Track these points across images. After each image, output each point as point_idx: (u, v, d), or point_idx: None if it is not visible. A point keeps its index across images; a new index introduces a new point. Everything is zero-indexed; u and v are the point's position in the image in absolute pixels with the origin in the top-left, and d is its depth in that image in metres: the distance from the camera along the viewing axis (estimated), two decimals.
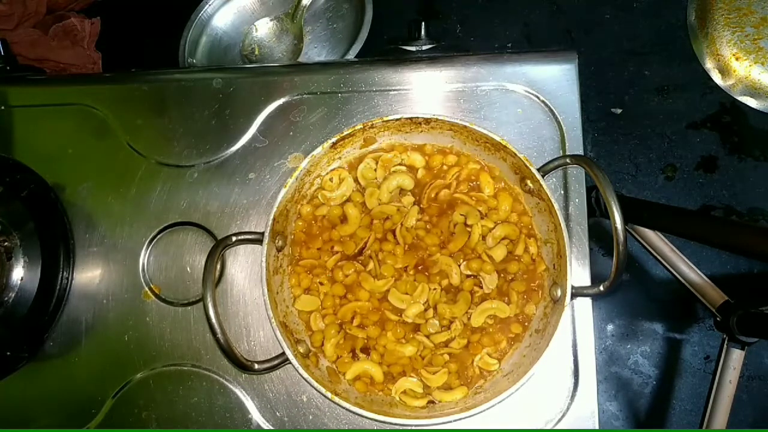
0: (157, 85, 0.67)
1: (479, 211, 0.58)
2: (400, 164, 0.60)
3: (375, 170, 0.60)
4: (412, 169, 0.60)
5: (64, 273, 0.62)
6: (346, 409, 0.51)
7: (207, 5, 1.14)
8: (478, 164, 0.59)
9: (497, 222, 0.58)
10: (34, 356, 0.61)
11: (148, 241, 0.62)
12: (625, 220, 0.48)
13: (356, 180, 0.60)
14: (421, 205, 0.59)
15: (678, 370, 1.15)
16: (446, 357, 0.56)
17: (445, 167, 0.60)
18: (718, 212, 1.20)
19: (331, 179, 0.59)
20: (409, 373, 0.56)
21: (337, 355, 0.56)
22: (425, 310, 0.56)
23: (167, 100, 0.66)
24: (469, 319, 0.56)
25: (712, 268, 1.15)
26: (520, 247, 0.57)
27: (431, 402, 0.55)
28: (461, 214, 0.58)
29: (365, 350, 0.56)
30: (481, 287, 0.57)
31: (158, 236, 0.63)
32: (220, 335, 0.47)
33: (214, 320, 0.46)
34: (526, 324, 0.56)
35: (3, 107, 0.67)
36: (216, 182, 0.63)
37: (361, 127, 0.57)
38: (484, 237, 0.58)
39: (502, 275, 0.57)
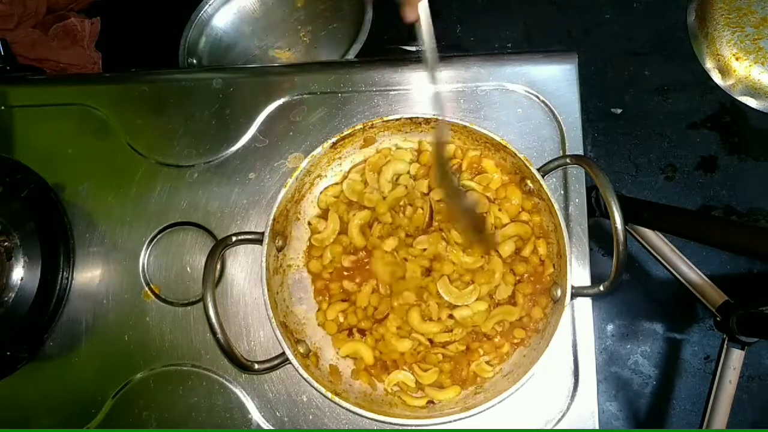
0: (157, 85, 0.67)
1: (487, 197, 0.58)
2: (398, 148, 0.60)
3: (362, 175, 0.60)
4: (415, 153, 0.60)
5: (64, 273, 0.62)
6: (346, 409, 0.51)
7: (207, 5, 1.14)
8: (478, 150, 0.59)
9: (512, 219, 0.58)
10: (34, 356, 0.61)
11: (148, 241, 0.62)
12: (625, 220, 0.48)
13: (348, 202, 0.59)
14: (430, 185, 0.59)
15: (678, 370, 1.15)
16: (440, 357, 0.56)
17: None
18: (718, 212, 1.20)
19: (317, 222, 0.59)
20: (401, 366, 0.56)
21: (336, 324, 0.57)
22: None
23: (167, 100, 0.66)
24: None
25: (712, 268, 1.15)
26: (529, 248, 0.57)
27: (431, 402, 0.55)
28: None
29: (362, 332, 0.57)
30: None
31: (158, 236, 0.63)
32: (220, 335, 0.47)
33: (214, 320, 0.46)
34: (529, 326, 0.56)
35: (3, 107, 0.67)
36: (216, 182, 0.63)
37: (361, 127, 0.57)
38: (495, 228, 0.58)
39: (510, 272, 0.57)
